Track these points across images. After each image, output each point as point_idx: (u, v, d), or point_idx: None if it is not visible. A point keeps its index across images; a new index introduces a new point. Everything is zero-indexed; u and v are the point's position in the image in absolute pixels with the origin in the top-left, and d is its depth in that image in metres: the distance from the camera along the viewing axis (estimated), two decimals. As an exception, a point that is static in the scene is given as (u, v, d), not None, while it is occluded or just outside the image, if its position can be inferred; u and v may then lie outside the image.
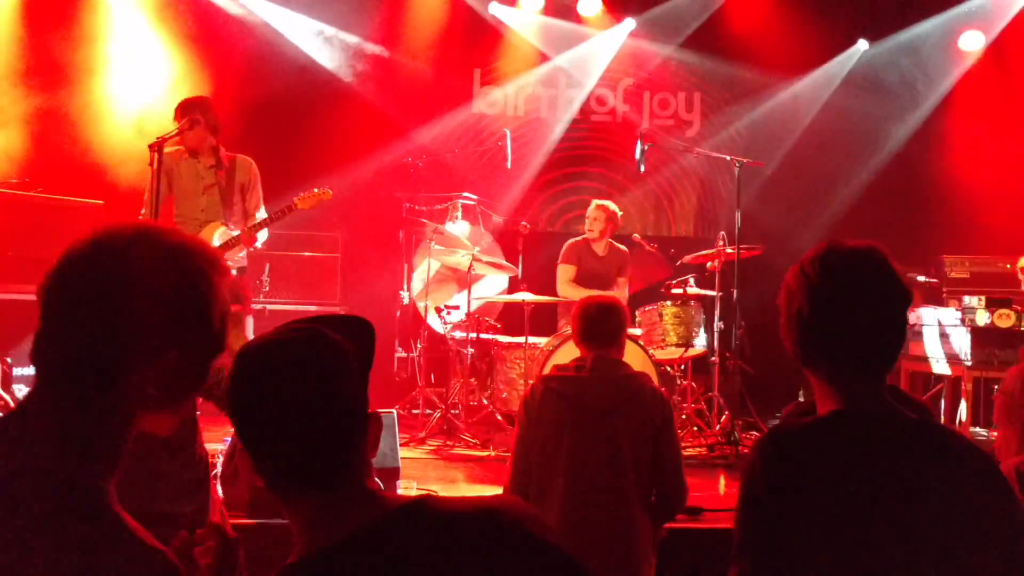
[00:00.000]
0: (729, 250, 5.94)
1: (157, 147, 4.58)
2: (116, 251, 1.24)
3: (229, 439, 4.21)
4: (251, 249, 5.11)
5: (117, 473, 1.26)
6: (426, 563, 1.23)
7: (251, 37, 7.59)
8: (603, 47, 8.34)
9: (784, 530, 1.56)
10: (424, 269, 6.73)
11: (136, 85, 7.26)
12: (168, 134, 4.76)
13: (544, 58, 8.32)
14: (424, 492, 3.27)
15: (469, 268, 6.01)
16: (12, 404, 5.33)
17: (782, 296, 1.71)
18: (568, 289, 6.26)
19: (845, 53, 8.34)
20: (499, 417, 5.91)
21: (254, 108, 7.25)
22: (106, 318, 1.21)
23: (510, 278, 6.64)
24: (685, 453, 5.37)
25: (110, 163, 6.89)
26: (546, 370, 4.17)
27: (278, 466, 1.28)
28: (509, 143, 6.29)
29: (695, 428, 5.88)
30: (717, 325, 6.09)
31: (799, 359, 1.69)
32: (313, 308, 7.07)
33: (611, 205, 6.39)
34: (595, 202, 6.44)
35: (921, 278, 7.04)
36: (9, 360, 5.54)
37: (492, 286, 7.22)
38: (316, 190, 5.15)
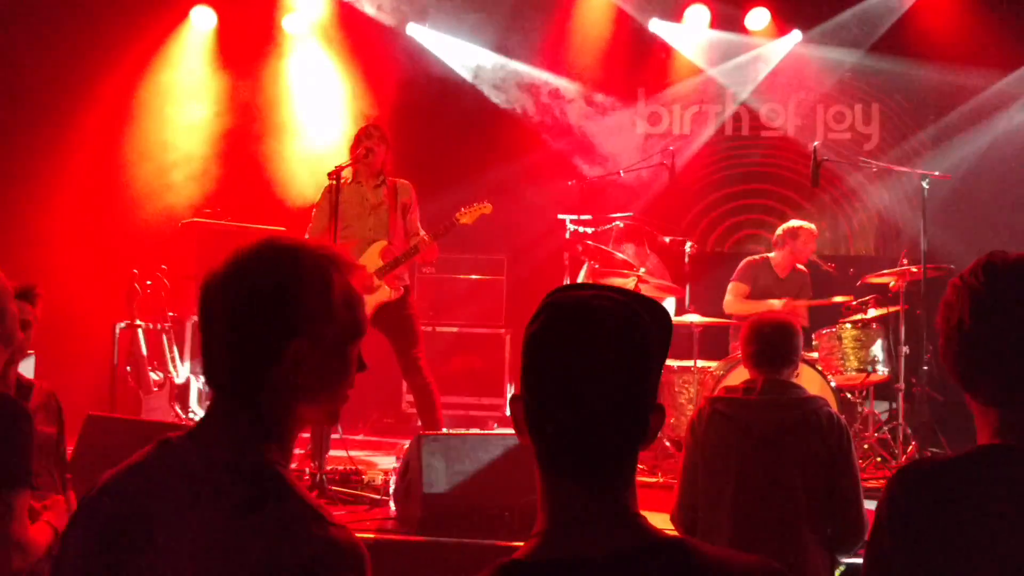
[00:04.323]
0: (914, 269, 5.59)
1: (336, 175, 4.84)
2: (239, 264, 1.43)
3: (402, 457, 4.32)
4: (430, 263, 5.21)
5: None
6: None
7: (415, 64, 7.86)
8: (771, 60, 8.05)
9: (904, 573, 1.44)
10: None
11: (313, 120, 7.71)
12: (345, 163, 5.01)
13: (709, 75, 8.13)
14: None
15: (635, 290, 5.93)
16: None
17: (940, 313, 1.57)
18: (735, 305, 6.06)
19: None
20: (667, 443, 5.77)
21: (418, 134, 7.51)
22: (237, 325, 1.39)
23: (677, 300, 6.51)
24: (867, 485, 5.06)
25: (288, 192, 7.33)
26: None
27: (558, 435, 1.20)
28: (674, 162, 6.17)
29: (878, 459, 5.53)
30: (902, 349, 5.71)
31: (959, 381, 1.53)
32: (480, 331, 7.18)
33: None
34: (806, 225, 6.20)
35: None
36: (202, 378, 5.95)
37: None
38: (476, 205, 5.25)
